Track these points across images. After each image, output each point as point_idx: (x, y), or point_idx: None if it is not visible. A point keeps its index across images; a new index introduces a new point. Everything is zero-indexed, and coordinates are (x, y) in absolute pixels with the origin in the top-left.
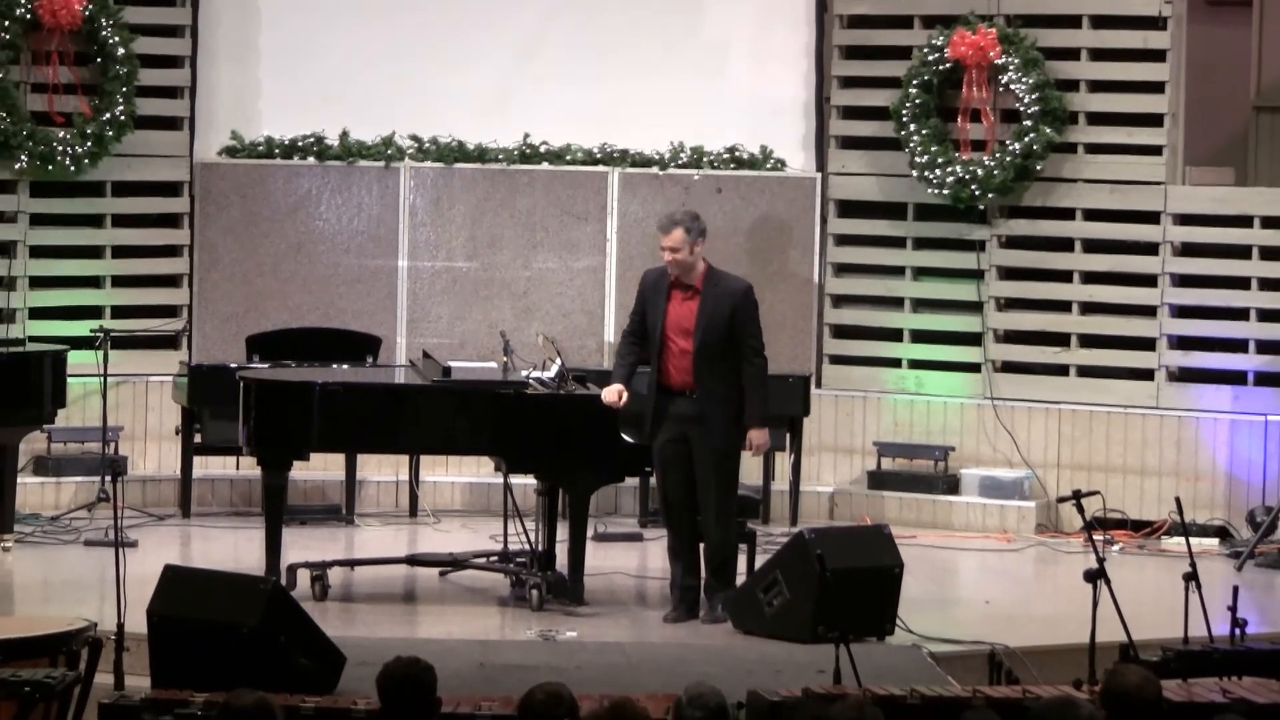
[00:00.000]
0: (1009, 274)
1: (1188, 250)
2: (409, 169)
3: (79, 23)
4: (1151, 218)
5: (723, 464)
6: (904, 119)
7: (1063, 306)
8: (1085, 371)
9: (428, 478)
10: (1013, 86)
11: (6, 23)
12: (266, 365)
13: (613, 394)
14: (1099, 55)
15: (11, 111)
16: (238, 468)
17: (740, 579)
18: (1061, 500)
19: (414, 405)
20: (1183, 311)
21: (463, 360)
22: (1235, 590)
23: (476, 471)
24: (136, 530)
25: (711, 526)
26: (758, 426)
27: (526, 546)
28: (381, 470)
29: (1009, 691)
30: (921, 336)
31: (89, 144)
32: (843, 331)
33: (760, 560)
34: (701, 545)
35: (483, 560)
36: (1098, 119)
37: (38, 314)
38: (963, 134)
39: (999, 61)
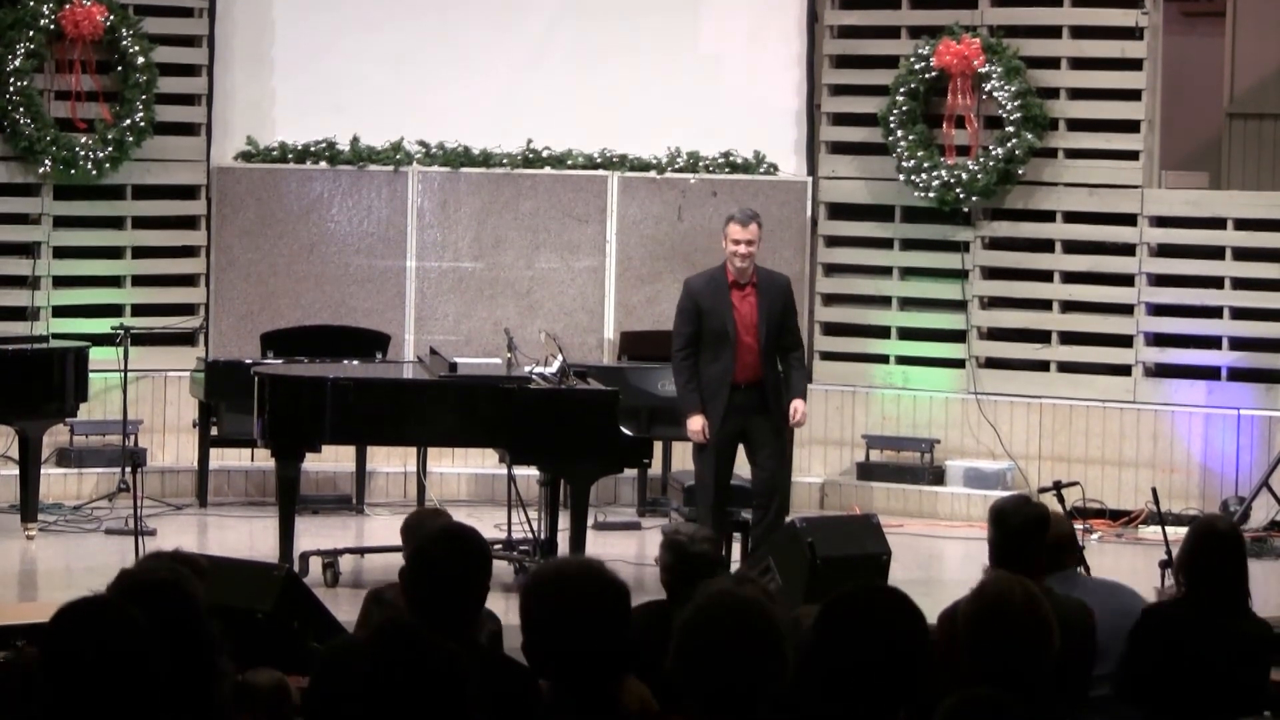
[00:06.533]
0: (992, 274)
1: (1164, 251)
2: (417, 173)
3: (100, 33)
4: (1129, 220)
5: (785, 449)
6: (891, 125)
7: (1043, 305)
8: (1065, 367)
9: (435, 469)
10: (995, 94)
11: (31, 33)
12: (280, 361)
13: (699, 424)
14: (1078, 64)
15: (36, 118)
16: (253, 459)
17: (734, 567)
18: (1043, 491)
19: (421, 400)
20: (1159, 310)
21: (468, 357)
22: None
23: (481, 463)
24: (155, 519)
25: (772, 504)
26: (802, 398)
27: (530, 535)
28: (390, 462)
29: None
30: (908, 334)
31: (110, 149)
32: (833, 329)
33: None
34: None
35: None
36: (1077, 125)
37: (61, 312)
38: (948, 139)
39: (982, 70)
